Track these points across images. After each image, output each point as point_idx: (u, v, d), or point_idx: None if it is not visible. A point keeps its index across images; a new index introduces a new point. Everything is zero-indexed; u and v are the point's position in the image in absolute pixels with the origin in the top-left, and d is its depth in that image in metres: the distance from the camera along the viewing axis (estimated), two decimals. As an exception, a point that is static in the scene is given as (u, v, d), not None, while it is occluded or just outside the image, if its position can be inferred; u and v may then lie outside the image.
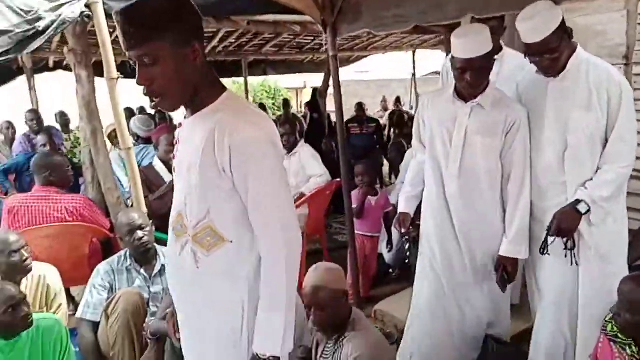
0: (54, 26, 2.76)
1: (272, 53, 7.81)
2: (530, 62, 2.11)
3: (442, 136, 2.34)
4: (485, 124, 2.24)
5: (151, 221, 3.02)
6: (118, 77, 3.04)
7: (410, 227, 2.55)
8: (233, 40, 6.85)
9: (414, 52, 9.32)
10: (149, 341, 2.49)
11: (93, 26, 3.00)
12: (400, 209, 2.61)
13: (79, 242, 3.19)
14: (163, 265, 2.98)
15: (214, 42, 6.70)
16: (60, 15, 2.81)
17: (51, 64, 6.85)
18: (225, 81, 12.42)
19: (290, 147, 4.19)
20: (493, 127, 2.23)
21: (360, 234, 3.75)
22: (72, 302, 3.62)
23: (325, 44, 7.21)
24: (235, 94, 1.49)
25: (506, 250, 2.29)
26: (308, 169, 4.04)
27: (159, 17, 1.27)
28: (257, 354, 1.43)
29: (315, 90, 6.26)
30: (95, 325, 2.75)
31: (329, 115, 6.68)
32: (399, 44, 8.55)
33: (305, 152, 4.13)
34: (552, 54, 2.03)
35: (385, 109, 10.14)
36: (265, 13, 3.61)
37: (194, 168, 1.38)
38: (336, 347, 2.19)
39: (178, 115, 1.70)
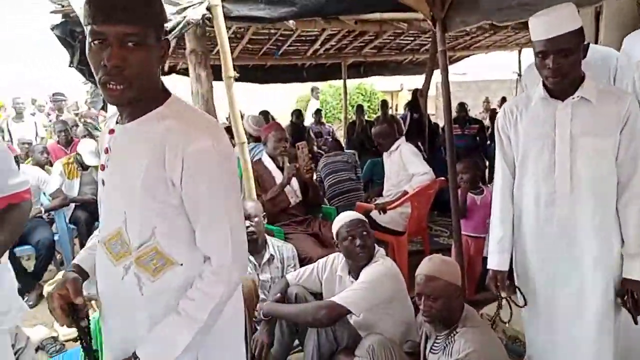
0: (179, 27, 2.99)
1: (371, 55, 7.83)
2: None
3: (541, 148, 1.97)
4: (593, 121, 1.88)
5: (264, 213, 3.16)
6: (234, 77, 3.22)
7: (507, 284, 2.15)
8: (334, 43, 6.96)
9: (519, 51, 8.91)
10: (260, 322, 2.60)
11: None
12: (492, 266, 2.15)
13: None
14: (272, 255, 3.11)
15: (316, 45, 6.85)
16: (185, 17, 3.04)
17: (166, 68, 7.37)
18: (322, 84, 12.69)
19: (388, 145, 4.18)
20: (604, 124, 1.87)
21: (464, 235, 3.65)
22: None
23: (426, 44, 7.20)
24: (181, 99, 1.32)
25: (631, 270, 1.90)
26: (410, 166, 3.99)
27: (155, 2, 1.22)
28: (136, 357, 1.24)
29: (415, 90, 6.19)
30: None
31: (428, 116, 6.57)
32: (503, 42, 8.21)
33: (406, 149, 4.09)
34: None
35: (487, 110, 9.80)
36: (373, 11, 3.64)
37: (136, 182, 1.23)
38: (447, 342, 2.15)
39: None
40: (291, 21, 3.40)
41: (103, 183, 1.35)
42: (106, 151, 1.33)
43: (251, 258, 3.07)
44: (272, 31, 5.93)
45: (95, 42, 1.15)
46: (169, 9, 3.12)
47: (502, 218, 2.13)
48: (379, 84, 15.27)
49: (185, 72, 6.84)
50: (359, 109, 7.38)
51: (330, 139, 7.29)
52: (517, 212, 2.12)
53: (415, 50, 7.95)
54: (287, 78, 7.93)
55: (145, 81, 1.21)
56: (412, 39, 7.32)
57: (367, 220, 2.71)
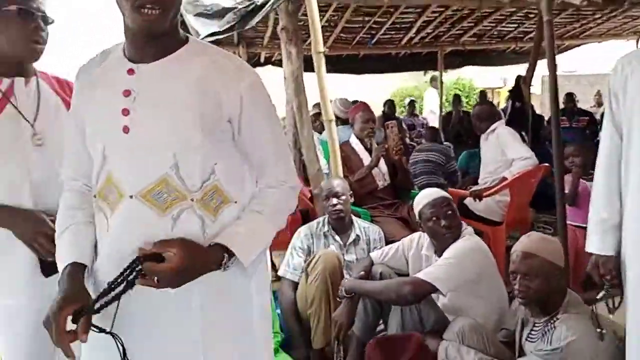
0: (270, 2, 2.98)
1: (470, 43, 7.46)
2: None
3: None
4: None
5: (350, 192, 3.08)
6: (324, 52, 3.16)
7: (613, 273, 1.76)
8: (430, 30, 6.72)
9: (638, 40, 8.07)
10: (343, 299, 2.52)
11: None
12: (593, 249, 1.79)
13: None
14: (357, 235, 3.01)
15: (411, 33, 6.66)
16: (276, -9, 3.03)
17: (262, 59, 7.54)
18: (417, 74, 12.36)
19: (485, 127, 3.90)
20: None
21: (572, 225, 3.31)
22: (273, 268, 3.86)
23: (531, 32, 6.73)
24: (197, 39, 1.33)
25: None
26: (509, 151, 3.68)
27: None
28: (222, 245, 1.18)
29: (519, 77, 5.79)
30: (295, 285, 2.89)
31: (532, 106, 6.13)
32: (618, 30, 7.50)
33: (503, 131, 3.80)
34: None
35: (599, 103, 8.99)
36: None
37: (186, 120, 1.17)
38: (546, 329, 1.93)
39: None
40: (384, -6, 3.26)
41: (125, 130, 1.17)
42: (127, 94, 1.18)
43: (337, 237, 3.00)
44: (366, 19, 5.85)
45: None
46: (262, -16, 3.13)
47: (607, 193, 1.77)
48: (478, 80, 14.53)
49: (279, 63, 6.96)
50: (456, 98, 7.07)
51: (424, 130, 7.05)
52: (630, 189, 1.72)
53: (518, 38, 7.48)
54: (381, 68, 7.78)
55: (176, 11, 1.17)
56: (515, 25, 6.89)
57: (450, 197, 2.55)
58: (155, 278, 1.10)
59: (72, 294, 1.13)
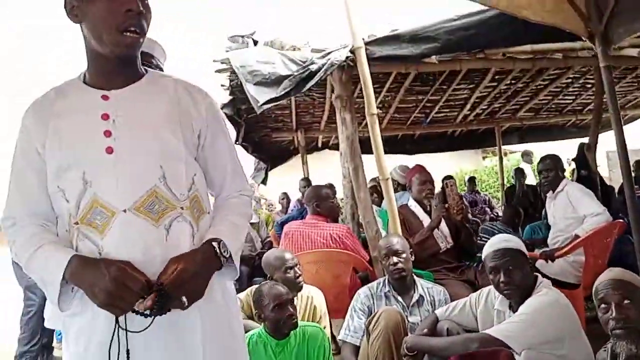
0: (324, 68, 3.15)
1: (528, 118, 7.42)
2: None
3: None
4: None
5: (410, 250, 2.98)
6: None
7: None
8: (485, 107, 6.76)
9: None
10: (405, 357, 2.34)
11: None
12: None
13: (341, 269, 3.32)
14: (421, 296, 2.87)
15: (465, 110, 6.71)
16: (329, 60, 3.20)
17: (320, 143, 7.80)
18: (471, 153, 12.21)
19: (553, 183, 3.73)
20: None
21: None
22: (333, 340, 3.70)
23: (589, 103, 6.62)
24: None
25: None
26: (580, 207, 3.47)
27: None
28: (219, 241, 1.27)
29: (582, 145, 5.61)
30: (356, 349, 2.75)
31: (600, 175, 5.87)
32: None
33: (574, 187, 3.61)
34: None
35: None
36: (521, 43, 3.47)
37: (166, 135, 1.25)
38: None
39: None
40: (434, 57, 3.36)
41: (109, 151, 1.22)
42: (105, 117, 1.24)
43: (399, 298, 2.87)
44: (420, 97, 5.99)
45: None
46: (314, 55, 3.32)
47: None
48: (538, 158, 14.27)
49: (336, 146, 7.16)
50: (519, 171, 6.88)
51: (487, 207, 6.86)
52: None
53: (577, 111, 7.37)
54: (437, 147, 7.82)
55: (145, 38, 1.27)
56: (572, 97, 6.83)
57: (518, 250, 2.32)
58: (183, 297, 1.16)
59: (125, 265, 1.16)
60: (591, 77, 5.64)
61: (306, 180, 6.55)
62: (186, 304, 1.17)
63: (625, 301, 1.73)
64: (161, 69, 1.77)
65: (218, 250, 1.25)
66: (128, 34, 1.20)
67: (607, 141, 7.27)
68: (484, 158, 15.58)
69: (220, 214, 1.39)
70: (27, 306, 4.36)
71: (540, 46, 3.58)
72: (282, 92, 3.06)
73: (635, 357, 1.71)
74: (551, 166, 3.71)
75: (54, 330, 4.73)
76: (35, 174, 1.27)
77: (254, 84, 3.05)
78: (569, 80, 5.99)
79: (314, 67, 3.14)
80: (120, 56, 1.25)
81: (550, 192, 3.78)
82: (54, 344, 4.82)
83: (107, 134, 1.23)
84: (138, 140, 1.24)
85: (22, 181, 1.28)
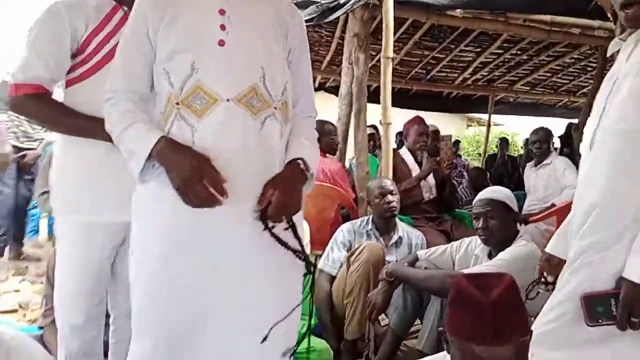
0: (351, 1, 3.12)
1: (523, 92, 7.52)
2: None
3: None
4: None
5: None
6: (393, 57, 3.27)
7: None
8: (485, 73, 6.81)
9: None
10: (382, 281, 2.49)
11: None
12: None
13: (327, 204, 3.43)
14: (400, 237, 3.01)
15: (466, 73, 6.76)
16: (357, -6, 3.18)
17: (317, 84, 7.73)
18: (458, 119, 12.32)
19: (544, 155, 3.89)
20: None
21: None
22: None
23: (586, 86, 6.73)
24: None
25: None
26: (562, 179, 3.66)
27: None
28: (302, 159, 1.38)
29: (570, 125, 5.78)
30: (332, 278, 2.89)
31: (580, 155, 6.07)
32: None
33: (560, 162, 3.78)
34: None
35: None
36: (544, 12, 3.50)
37: (269, 41, 1.36)
38: None
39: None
40: (458, 10, 3.37)
41: (221, 44, 1.31)
42: (222, 12, 1.33)
43: (379, 237, 3.00)
44: (426, 52, 5.98)
45: None
46: (341, -12, 3.29)
47: None
48: (524, 136, 14.54)
49: (334, 89, 7.12)
50: (504, 141, 7.06)
51: (465, 172, 7.04)
52: None
53: (571, 92, 7.50)
54: (431, 106, 7.85)
55: None
56: (570, 78, 6.93)
57: (501, 201, 2.41)
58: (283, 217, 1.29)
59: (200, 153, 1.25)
60: (594, 60, 5.72)
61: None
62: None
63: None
64: None
65: (303, 167, 1.36)
66: None
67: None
68: (468, 126, 15.75)
69: (296, 133, 1.46)
70: None
71: (560, 18, 3.62)
72: (306, 17, 3.05)
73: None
74: (544, 138, 3.86)
75: (23, 223, 4.75)
76: (141, 54, 1.34)
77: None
78: (572, 61, 6.07)
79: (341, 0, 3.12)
80: None
81: (532, 163, 3.95)
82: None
83: (222, 27, 1.32)
84: (247, 40, 1.33)
85: (127, 59, 1.36)
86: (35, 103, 1.59)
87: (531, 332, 1.22)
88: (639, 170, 1.35)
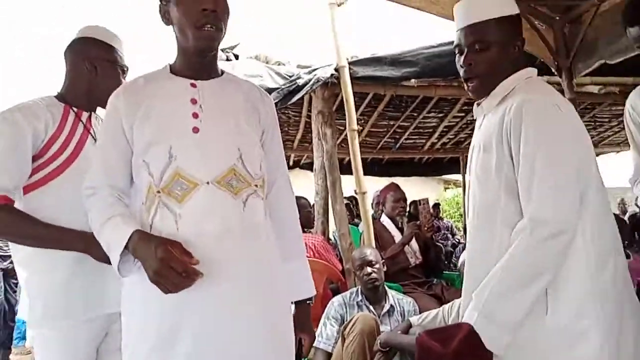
0: (310, 83, 3.30)
1: (491, 149, 7.73)
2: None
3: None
4: (484, 132, 1.47)
5: (383, 261, 3.10)
6: (359, 129, 3.39)
7: None
8: (452, 136, 7.04)
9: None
10: (377, 353, 2.44)
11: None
12: None
13: (315, 279, 3.33)
14: (392, 306, 2.98)
15: (433, 138, 6.98)
16: (315, 75, 3.34)
17: (291, 162, 7.88)
18: (434, 182, 12.50)
19: None
20: (489, 135, 1.43)
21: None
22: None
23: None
24: None
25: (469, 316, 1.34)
26: None
27: None
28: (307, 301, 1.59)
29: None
30: (328, 356, 2.81)
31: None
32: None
33: None
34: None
35: (623, 212, 9.00)
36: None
37: (242, 123, 1.42)
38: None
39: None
40: (413, 80, 3.56)
41: (195, 131, 1.36)
42: (194, 101, 1.40)
43: (370, 307, 2.96)
44: (391, 122, 6.20)
45: None
46: (300, 70, 3.46)
47: None
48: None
49: (308, 166, 7.26)
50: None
51: (450, 234, 7.09)
52: None
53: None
54: (404, 172, 8.04)
55: (223, 35, 1.43)
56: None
57: None
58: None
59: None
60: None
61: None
62: None
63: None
64: (122, 62, 1.81)
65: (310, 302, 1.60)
66: (204, 29, 1.35)
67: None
68: (445, 189, 16.01)
69: (290, 241, 1.57)
70: None
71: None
72: (269, 103, 3.17)
73: None
74: None
75: (12, 330, 4.61)
76: (118, 151, 1.38)
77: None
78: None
79: (300, 82, 3.29)
80: (201, 49, 1.38)
81: None
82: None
83: (195, 115, 1.38)
84: (220, 124, 1.40)
85: (105, 156, 1.40)
86: (2, 216, 1.52)
87: None
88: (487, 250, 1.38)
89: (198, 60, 1.43)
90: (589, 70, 3.07)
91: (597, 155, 7.77)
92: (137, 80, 1.46)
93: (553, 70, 3.20)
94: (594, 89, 4.02)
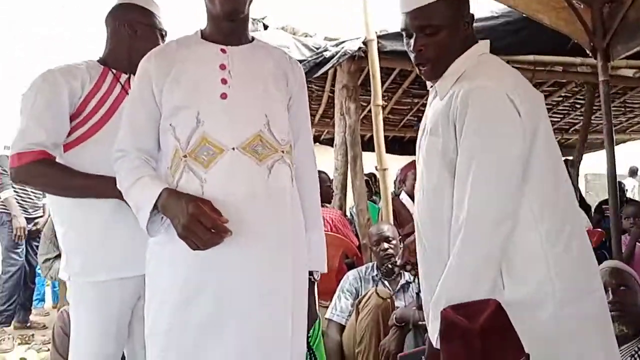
0: (337, 56, 3.26)
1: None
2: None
3: None
4: (432, 115, 1.43)
5: (400, 237, 3.10)
6: (383, 105, 3.36)
7: None
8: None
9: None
10: (392, 327, 2.46)
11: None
12: None
13: (331, 253, 3.37)
14: (407, 282, 2.98)
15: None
16: (342, 48, 3.30)
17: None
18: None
19: None
20: (436, 119, 1.39)
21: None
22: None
23: (577, 123, 6.84)
24: None
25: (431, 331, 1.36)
26: None
27: None
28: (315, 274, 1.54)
29: (566, 161, 5.82)
30: (341, 328, 2.84)
31: (580, 191, 6.10)
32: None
33: None
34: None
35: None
36: (527, 53, 3.63)
37: (272, 90, 1.43)
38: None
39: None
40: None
41: (223, 96, 1.37)
42: (223, 67, 1.40)
43: (386, 282, 2.97)
44: (415, 100, 6.12)
45: None
46: (327, 43, 3.42)
47: None
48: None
49: (328, 142, 7.24)
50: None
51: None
52: None
53: (564, 129, 7.59)
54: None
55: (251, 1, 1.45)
56: (561, 116, 7.04)
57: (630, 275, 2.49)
58: None
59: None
60: (581, 97, 5.85)
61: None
62: None
63: (621, 287, 1.88)
64: (160, 26, 1.83)
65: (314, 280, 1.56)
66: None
67: (586, 165, 7.51)
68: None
69: (312, 208, 1.55)
70: (6, 265, 4.37)
71: (542, 57, 3.73)
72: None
73: (626, 337, 1.84)
74: None
75: (32, 291, 4.75)
76: (147, 113, 1.40)
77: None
78: (560, 99, 6.19)
79: (327, 54, 3.25)
80: (228, 12, 1.38)
81: None
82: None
83: (223, 81, 1.38)
84: (249, 90, 1.40)
85: (134, 119, 1.42)
86: (39, 170, 1.58)
87: (526, 355, 1.17)
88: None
89: (227, 25, 1.42)
90: (629, 53, 2.96)
91: (625, 141, 7.71)
92: (169, 44, 1.47)
93: (588, 51, 3.10)
94: (629, 73, 3.90)
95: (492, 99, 1.27)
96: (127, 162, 1.39)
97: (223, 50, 1.42)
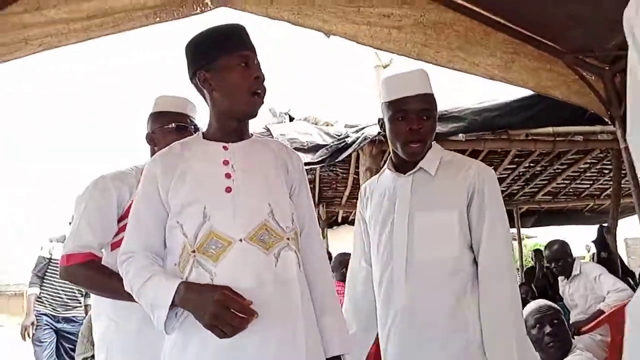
0: (358, 141, 3.38)
1: (546, 202, 7.53)
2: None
3: (382, 228, 1.72)
4: (432, 193, 1.63)
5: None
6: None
7: None
8: (504, 188, 6.91)
9: None
10: None
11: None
12: None
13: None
14: None
15: (485, 191, 6.86)
16: (363, 134, 3.43)
17: (339, 218, 7.93)
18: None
19: (568, 267, 3.79)
20: (444, 196, 1.63)
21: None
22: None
23: (607, 188, 6.75)
24: None
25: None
26: (602, 285, 3.50)
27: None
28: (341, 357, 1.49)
29: (601, 227, 5.69)
30: None
31: (620, 257, 5.87)
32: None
33: (591, 267, 3.70)
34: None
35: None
36: (544, 125, 3.68)
37: (273, 180, 1.49)
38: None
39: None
40: (460, 135, 3.58)
41: (228, 190, 1.43)
42: (226, 163, 1.47)
43: None
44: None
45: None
46: (348, 130, 3.57)
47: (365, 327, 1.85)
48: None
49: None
50: (538, 252, 6.89)
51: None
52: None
53: (595, 195, 7.48)
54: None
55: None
56: (590, 182, 6.97)
57: (560, 309, 2.44)
58: None
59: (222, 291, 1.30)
60: (608, 162, 5.81)
61: (327, 253, 6.62)
62: None
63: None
64: (196, 126, 1.96)
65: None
66: (256, 96, 1.48)
67: (624, 229, 7.29)
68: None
69: (323, 295, 1.53)
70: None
71: (561, 128, 3.79)
72: (319, 159, 3.28)
73: None
74: (561, 253, 3.80)
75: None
76: (153, 214, 1.46)
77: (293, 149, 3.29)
78: (587, 165, 6.16)
79: (349, 140, 3.37)
80: (249, 113, 1.51)
81: (563, 277, 3.85)
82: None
83: (227, 176, 1.46)
84: (252, 182, 1.47)
85: (140, 219, 1.49)
86: (83, 272, 1.75)
87: None
88: None
89: (234, 124, 1.51)
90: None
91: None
92: (173, 146, 1.56)
93: (606, 119, 3.15)
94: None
95: (495, 176, 1.68)
96: (135, 262, 1.42)
97: (225, 147, 1.50)
